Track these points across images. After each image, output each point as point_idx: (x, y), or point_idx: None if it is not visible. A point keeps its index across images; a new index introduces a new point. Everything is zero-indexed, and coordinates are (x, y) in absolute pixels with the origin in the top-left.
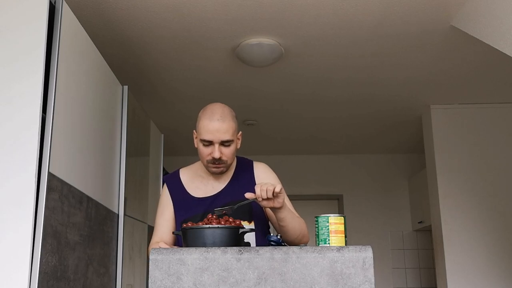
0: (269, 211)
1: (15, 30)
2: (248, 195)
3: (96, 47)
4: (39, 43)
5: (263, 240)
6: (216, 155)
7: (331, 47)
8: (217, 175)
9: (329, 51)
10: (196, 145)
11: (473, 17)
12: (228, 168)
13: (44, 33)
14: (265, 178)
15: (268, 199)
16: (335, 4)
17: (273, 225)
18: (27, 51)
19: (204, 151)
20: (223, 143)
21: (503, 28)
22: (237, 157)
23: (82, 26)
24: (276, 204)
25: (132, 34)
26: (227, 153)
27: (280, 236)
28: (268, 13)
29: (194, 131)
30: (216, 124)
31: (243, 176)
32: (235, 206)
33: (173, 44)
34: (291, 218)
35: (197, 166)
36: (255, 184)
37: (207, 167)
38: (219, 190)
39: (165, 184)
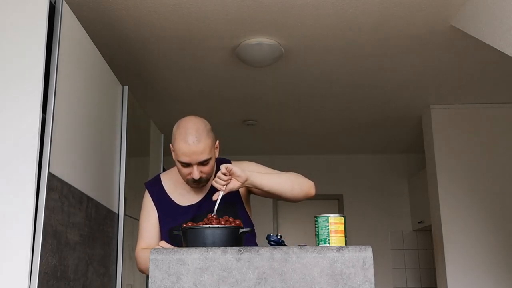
0: (256, 191)
1: (15, 30)
2: (215, 196)
3: (96, 47)
4: (39, 43)
5: (250, 238)
6: (196, 176)
7: (331, 47)
8: None
9: (329, 51)
10: (174, 158)
11: (473, 17)
12: (208, 180)
13: (44, 33)
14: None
15: (228, 182)
16: (335, 4)
17: (267, 196)
18: (27, 51)
19: (183, 170)
20: (201, 163)
21: (503, 28)
22: (216, 158)
23: (82, 26)
24: (239, 179)
25: (132, 34)
26: (206, 170)
27: (280, 236)
28: (268, 13)
29: (171, 145)
30: (192, 147)
31: None
32: (213, 213)
33: (173, 44)
34: (270, 180)
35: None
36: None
37: (187, 183)
38: (203, 196)
39: (146, 190)
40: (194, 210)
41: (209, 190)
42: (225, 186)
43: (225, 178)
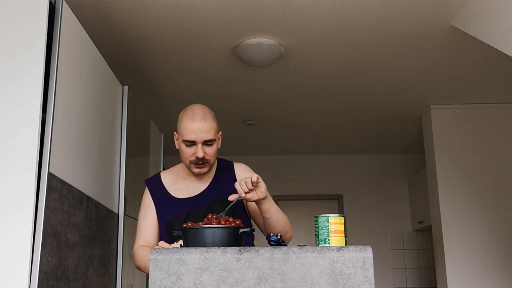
0: (252, 206)
1: (15, 30)
2: (232, 197)
3: (96, 47)
4: (39, 43)
5: (248, 238)
6: (200, 154)
7: (331, 47)
8: (199, 176)
9: (329, 51)
10: (177, 147)
11: (473, 17)
12: (210, 167)
13: (44, 33)
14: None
15: (250, 191)
16: (335, 4)
17: (256, 220)
18: (27, 51)
19: (188, 151)
20: (206, 143)
21: (503, 28)
22: (217, 158)
23: (82, 26)
24: (259, 194)
25: (132, 34)
26: (210, 152)
27: (281, 236)
28: (268, 13)
29: (175, 133)
30: (198, 124)
31: (224, 176)
32: (223, 213)
33: (173, 44)
34: (275, 210)
35: (179, 168)
36: None
37: (189, 168)
38: (201, 190)
39: (146, 188)
40: (190, 204)
41: (208, 186)
42: (244, 193)
43: (251, 186)
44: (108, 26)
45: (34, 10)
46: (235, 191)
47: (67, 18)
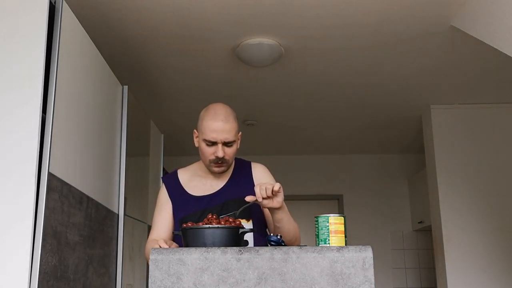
0: (266, 210)
1: (15, 30)
2: (249, 198)
3: (96, 47)
4: (39, 43)
5: (261, 238)
6: (220, 154)
7: (331, 47)
8: (216, 174)
9: (329, 51)
10: (196, 144)
11: (473, 17)
12: (228, 167)
13: (44, 33)
14: (263, 179)
15: (267, 198)
16: (335, 4)
17: (268, 225)
18: (27, 51)
19: (208, 150)
20: (226, 144)
21: (503, 28)
22: (235, 158)
23: (82, 26)
24: (275, 203)
25: (132, 34)
26: (229, 152)
27: (280, 236)
28: (268, 13)
29: (195, 130)
30: (220, 125)
31: (241, 176)
32: (238, 212)
33: (173, 44)
34: (287, 220)
35: (196, 166)
36: (253, 183)
37: (208, 166)
38: (218, 189)
39: (163, 184)
40: (206, 201)
41: (224, 185)
42: (261, 198)
43: (270, 194)
44: (108, 26)
45: (34, 10)
46: (252, 192)
47: (67, 18)
